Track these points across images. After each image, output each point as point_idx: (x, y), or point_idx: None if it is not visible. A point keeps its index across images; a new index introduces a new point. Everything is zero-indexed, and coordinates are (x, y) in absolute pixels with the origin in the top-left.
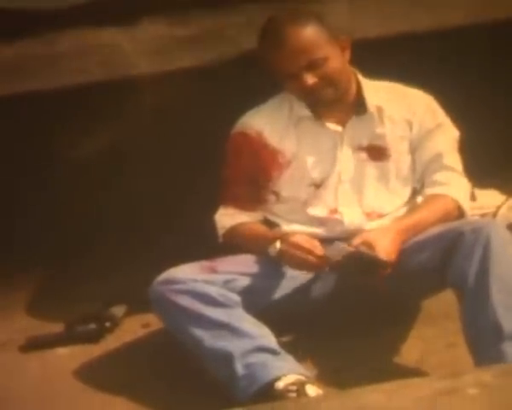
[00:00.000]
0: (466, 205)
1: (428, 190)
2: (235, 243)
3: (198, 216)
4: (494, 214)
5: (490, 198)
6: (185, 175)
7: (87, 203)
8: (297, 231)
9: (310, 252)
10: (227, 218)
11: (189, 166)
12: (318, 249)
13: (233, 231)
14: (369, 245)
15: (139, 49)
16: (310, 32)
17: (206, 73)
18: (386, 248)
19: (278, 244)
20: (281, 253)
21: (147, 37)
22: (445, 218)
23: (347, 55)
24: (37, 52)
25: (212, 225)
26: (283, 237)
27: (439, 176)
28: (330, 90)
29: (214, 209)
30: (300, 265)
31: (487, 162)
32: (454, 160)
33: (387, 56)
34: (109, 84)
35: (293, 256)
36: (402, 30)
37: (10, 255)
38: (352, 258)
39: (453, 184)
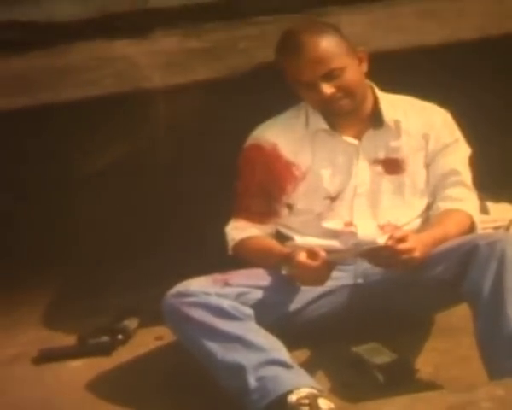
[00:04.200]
0: (477, 220)
1: (445, 205)
2: (243, 257)
3: (212, 229)
4: (507, 228)
5: (502, 211)
6: (199, 188)
7: (99, 216)
8: (310, 243)
9: (310, 267)
10: (237, 231)
11: (203, 178)
12: (320, 258)
13: (242, 245)
14: (402, 239)
15: (152, 61)
16: (328, 42)
17: (220, 86)
18: (416, 243)
19: (284, 270)
20: (289, 276)
21: (160, 49)
22: (462, 233)
23: (364, 67)
24: (49, 64)
25: (224, 238)
26: (288, 260)
27: (455, 191)
28: (347, 100)
29: (228, 222)
30: (309, 283)
31: (500, 176)
32: (468, 176)
33: (400, 69)
34: (122, 97)
35: (299, 279)
36: (415, 43)
37: (24, 268)
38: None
39: (467, 200)
